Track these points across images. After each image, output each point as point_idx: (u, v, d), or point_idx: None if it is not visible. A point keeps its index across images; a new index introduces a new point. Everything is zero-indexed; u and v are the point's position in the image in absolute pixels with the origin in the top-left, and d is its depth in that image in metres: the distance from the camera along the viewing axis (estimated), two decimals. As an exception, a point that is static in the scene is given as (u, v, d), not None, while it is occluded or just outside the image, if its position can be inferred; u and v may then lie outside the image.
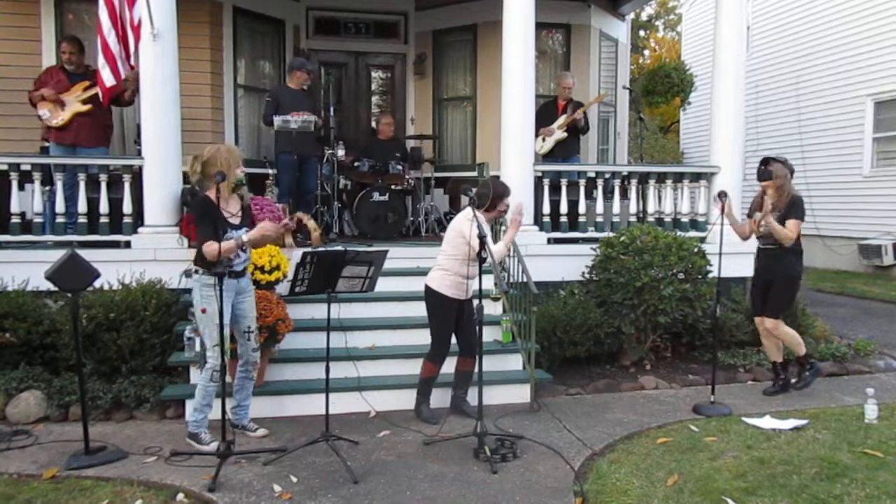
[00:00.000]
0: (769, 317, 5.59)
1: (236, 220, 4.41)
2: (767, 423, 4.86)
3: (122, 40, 5.18)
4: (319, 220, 8.08)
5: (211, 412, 4.49)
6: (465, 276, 4.81)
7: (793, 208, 5.43)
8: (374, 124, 9.78)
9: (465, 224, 4.74)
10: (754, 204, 5.69)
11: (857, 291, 10.49)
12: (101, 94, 5.60)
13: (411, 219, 8.69)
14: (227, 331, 4.33)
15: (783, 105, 14.26)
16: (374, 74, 10.15)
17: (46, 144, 7.45)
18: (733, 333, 6.58)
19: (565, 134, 7.96)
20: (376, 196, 7.88)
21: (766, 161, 5.56)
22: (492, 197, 4.88)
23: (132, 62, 5.34)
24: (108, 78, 5.23)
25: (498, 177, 6.84)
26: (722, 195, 5.32)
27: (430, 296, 4.90)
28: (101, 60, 5.29)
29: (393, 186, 8.05)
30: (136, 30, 5.13)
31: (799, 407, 5.29)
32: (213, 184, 4.34)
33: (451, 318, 4.91)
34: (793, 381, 5.76)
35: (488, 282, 6.07)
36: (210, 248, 4.21)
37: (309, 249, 4.21)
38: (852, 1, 12.65)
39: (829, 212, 12.96)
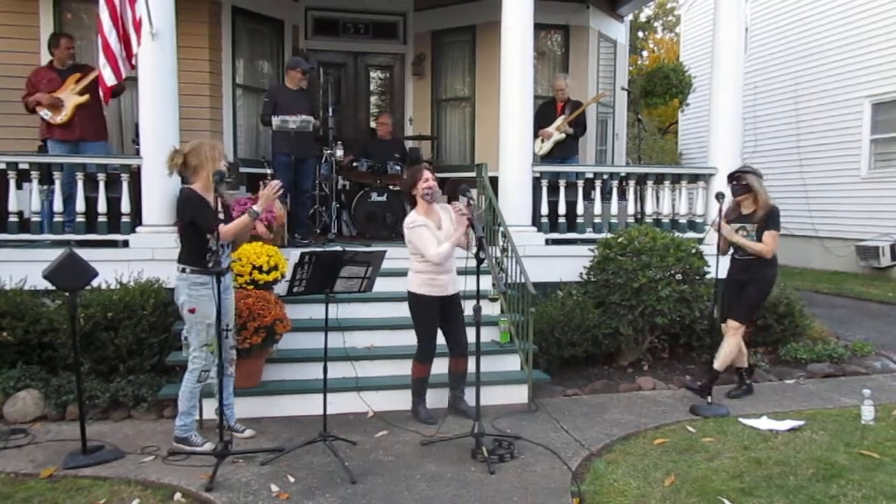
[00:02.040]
0: (735, 319, 5.45)
1: (220, 215, 4.34)
2: (764, 423, 4.87)
3: (123, 40, 5.17)
4: (318, 220, 8.09)
5: (197, 414, 4.51)
6: (436, 272, 4.82)
7: (771, 219, 5.35)
8: (372, 124, 9.79)
9: (406, 233, 4.87)
10: (728, 214, 5.55)
11: (855, 292, 10.50)
12: (102, 94, 5.61)
13: (409, 219, 8.68)
14: (213, 330, 4.29)
15: (781, 106, 14.27)
16: (372, 75, 10.16)
17: (42, 143, 7.46)
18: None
19: (563, 135, 7.97)
20: (374, 196, 7.89)
21: (736, 177, 5.47)
22: (406, 188, 4.99)
23: (133, 62, 5.33)
24: (109, 77, 5.24)
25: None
26: (719, 196, 5.32)
27: (409, 297, 4.95)
28: (101, 60, 5.30)
29: (391, 186, 8.06)
30: (139, 30, 5.13)
31: (796, 408, 5.30)
32: (197, 177, 4.33)
33: (432, 317, 4.92)
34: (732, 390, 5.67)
35: (486, 282, 6.08)
36: (225, 229, 4.20)
37: (307, 249, 4.21)
38: (851, 3, 12.67)
39: (827, 213, 12.98)
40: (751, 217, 5.43)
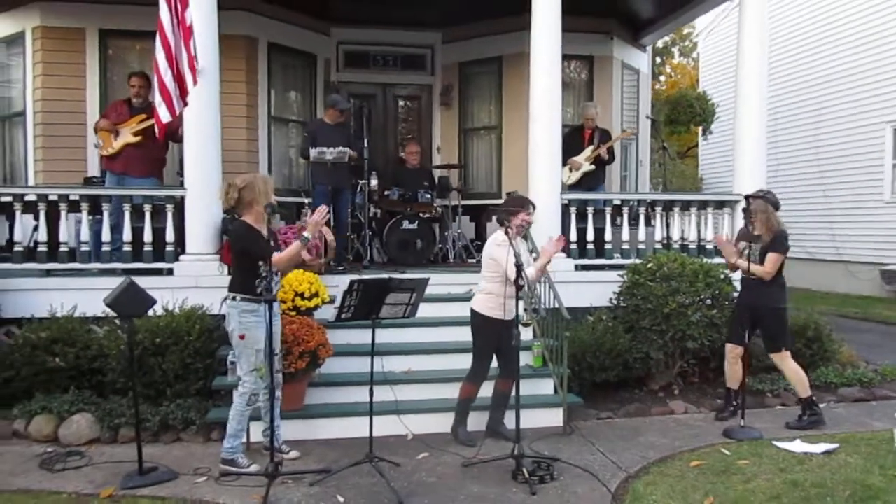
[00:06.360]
0: (770, 352, 5.68)
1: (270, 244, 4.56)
2: (798, 446, 4.94)
3: (178, 79, 5.45)
4: (350, 247, 8.29)
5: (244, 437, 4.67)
6: (505, 295, 4.95)
7: (774, 243, 5.52)
8: (401, 153, 10.00)
9: (492, 248, 5.00)
10: (741, 234, 5.88)
11: (882, 317, 10.50)
12: (157, 130, 5.90)
13: (439, 246, 8.84)
14: (262, 355, 4.47)
15: (801, 131, 14.35)
16: (401, 105, 10.42)
17: (90, 175, 7.76)
18: (760, 359, 6.62)
19: (593, 167, 8.12)
20: (406, 224, 8.08)
21: (747, 201, 5.82)
22: (505, 212, 5.06)
23: (187, 100, 5.59)
24: (164, 115, 5.52)
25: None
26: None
27: (474, 317, 5.09)
28: (157, 98, 5.58)
29: (422, 214, 8.25)
30: (194, 70, 5.40)
31: (829, 432, 5.36)
32: (250, 210, 4.53)
33: (494, 339, 5.06)
34: (791, 421, 5.61)
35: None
36: (278, 258, 4.41)
37: (356, 277, 4.39)
38: (870, 29, 12.80)
39: (851, 237, 12.99)
40: (760, 239, 5.60)
